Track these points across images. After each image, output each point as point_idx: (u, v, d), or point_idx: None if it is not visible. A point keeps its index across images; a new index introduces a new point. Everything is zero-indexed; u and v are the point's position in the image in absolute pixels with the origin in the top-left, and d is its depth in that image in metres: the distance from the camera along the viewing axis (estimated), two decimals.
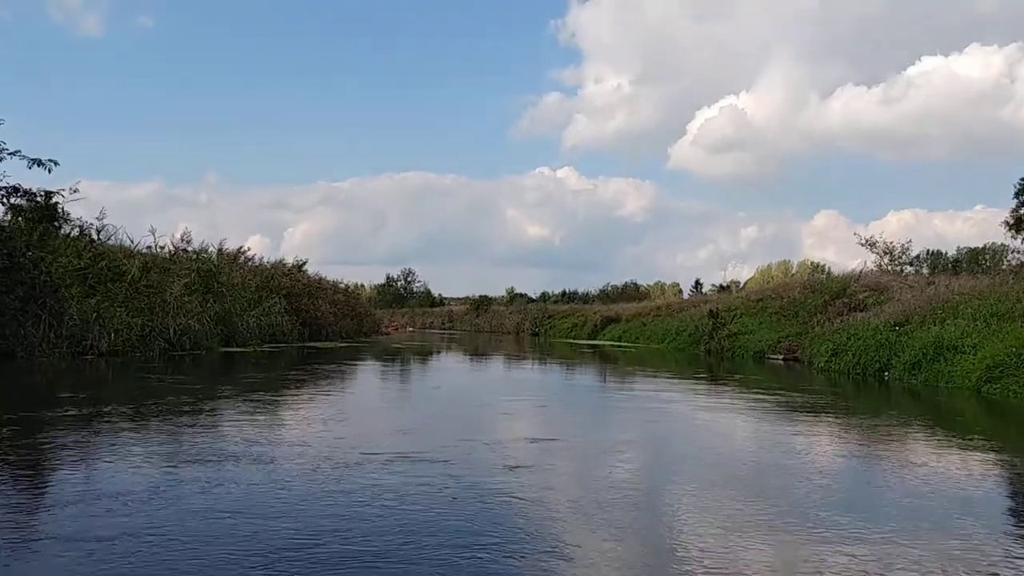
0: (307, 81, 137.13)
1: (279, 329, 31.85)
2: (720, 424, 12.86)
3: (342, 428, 10.71)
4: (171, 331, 23.24)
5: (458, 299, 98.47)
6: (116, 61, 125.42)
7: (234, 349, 26.56)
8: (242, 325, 28.43)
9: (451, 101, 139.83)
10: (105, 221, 26.89)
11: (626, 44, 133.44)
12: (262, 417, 11.33)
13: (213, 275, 29.60)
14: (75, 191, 24.06)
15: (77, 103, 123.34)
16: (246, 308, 29.39)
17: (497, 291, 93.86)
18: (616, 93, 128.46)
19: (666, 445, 10.47)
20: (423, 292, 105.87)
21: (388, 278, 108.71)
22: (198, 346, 24.39)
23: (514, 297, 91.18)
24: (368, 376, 21.64)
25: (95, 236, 26.20)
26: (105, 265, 24.05)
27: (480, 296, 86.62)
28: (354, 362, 25.49)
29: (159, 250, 30.72)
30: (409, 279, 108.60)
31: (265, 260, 39.72)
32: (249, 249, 39.27)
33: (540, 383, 21.63)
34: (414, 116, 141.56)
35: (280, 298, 33.13)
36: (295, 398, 14.49)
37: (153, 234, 30.70)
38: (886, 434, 12.10)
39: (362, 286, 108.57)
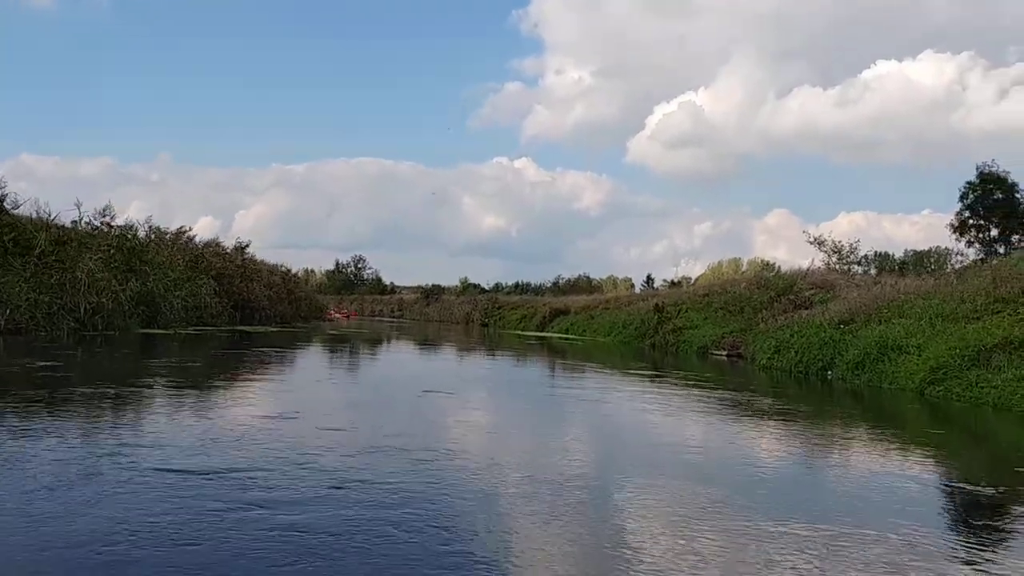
0: (267, 63, 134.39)
1: (207, 311, 30.36)
2: (653, 428, 11.98)
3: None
4: (81, 309, 21.70)
5: (411, 288, 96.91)
6: (69, 37, 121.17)
7: (154, 331, 25.08)
8: (165, 306, 26.91)
9: (411, 87, 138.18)
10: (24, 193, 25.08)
11: (588, 37, 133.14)
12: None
13: (136, 252, 28.02)
14: None
15: (26, 75, 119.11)
16: (170, 288, 27.83)
17: (451, 281, 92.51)
18: (576, 85, 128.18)
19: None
20: (373, 279, 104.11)
21: (338, 264, 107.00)
22: (112, 326, 22.88)
23: (467, 287, 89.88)
24: (264, 365, 19.09)
25: (2, 205, 24.37)
26: (12, 238, 22.42)
27: (432, 285, 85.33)
28: (265, 349, 23.93)
29: (83, 225, 29.00)
30: (359, 265, 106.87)
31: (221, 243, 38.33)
32: (191, 229, 37.63)
33: (465, 377, 20.63)
34: (373, 101, 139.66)
35: (209, 279, 31.58)
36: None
37: (78, 208, 28.83)
38: (827, 438, 11.36)
39: (312, 272, 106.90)
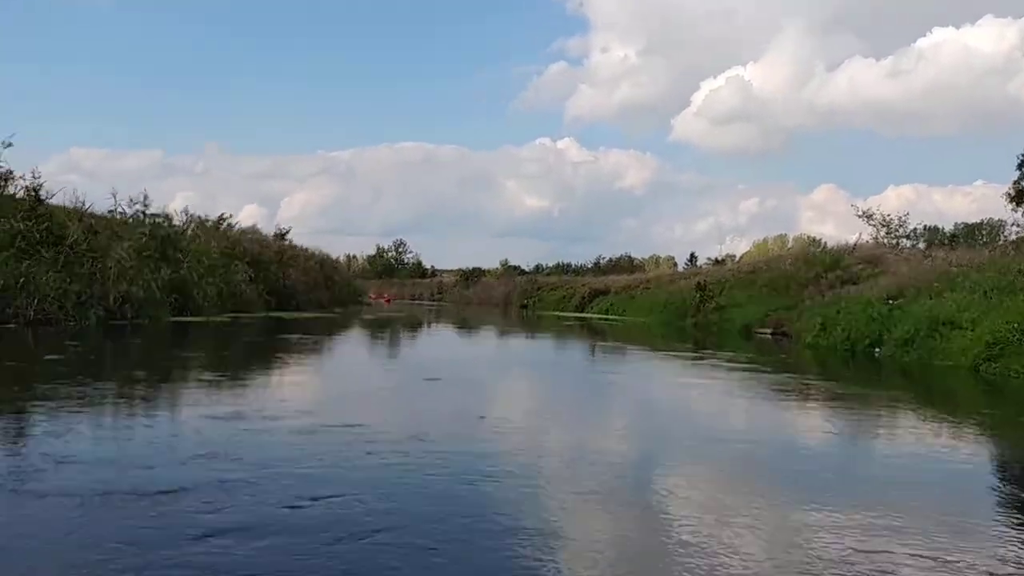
0: (309, 50, 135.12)
1: (242, 298, 30.26)
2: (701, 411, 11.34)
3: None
4: (111, 298, 21.62)
5: (451, 271, 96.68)
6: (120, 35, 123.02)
7: (187, 319, 24.99)
8: (198, 293, 26.81)
9: (455, 70, 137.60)
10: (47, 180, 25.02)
11: (634, 13, 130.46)
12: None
13: (170, 240, 27.96)
14: (8, 144, 22.48)
15: (72, 73, 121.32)
16: (204, 275, 27.74)
17: (492, 263, 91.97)
18: (622, 64, 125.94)
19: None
20: (414, 263, 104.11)
21: (379, 249, 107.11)
22: (143, 314, 22.79)
23: (507, 269, 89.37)
24: (287, 355, 17.37)
25: (38, 196, 24.38)
26: (47, 227, 22.42)
27: (472, 268, 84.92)
28: (292, 336, 23.59)
29: (118, 215, 29.07)
30: (400, 250, 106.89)
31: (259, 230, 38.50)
32: (231, 216, 37.68)
33: (498, 365, 20.14)
34: (416, 86, 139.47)
35: (244, 265, 31.48)
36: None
37: (114, 197, 28.87)
38: (875, 420, 10.62)
39: (355, 257, 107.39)
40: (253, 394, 10.70)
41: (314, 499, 5.22)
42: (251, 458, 6.33)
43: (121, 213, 29.06)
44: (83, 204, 26.43)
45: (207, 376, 12.32)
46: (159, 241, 27.36)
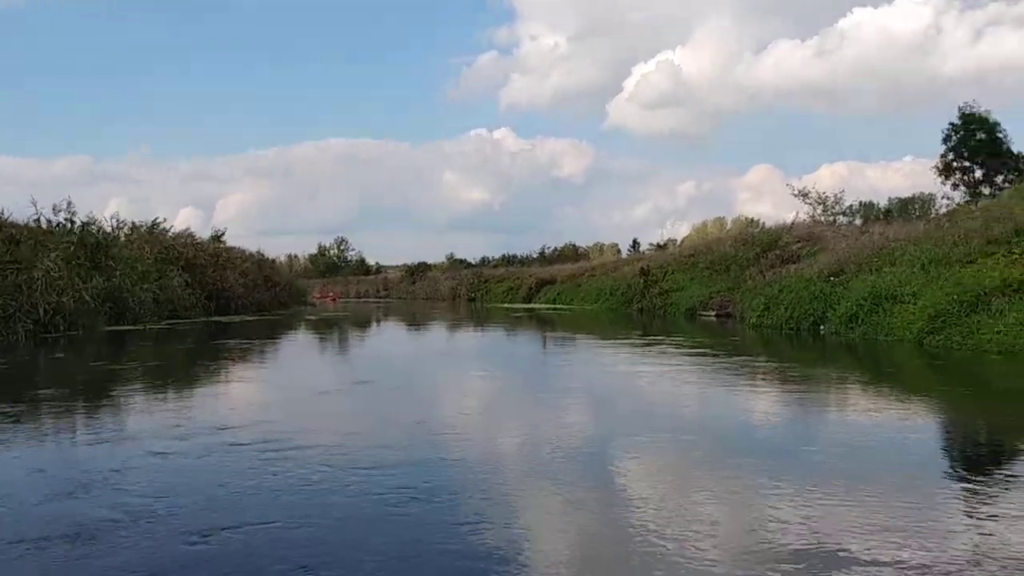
0: (231, 46, 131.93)
1: (180, 304, 29.37)
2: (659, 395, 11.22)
3: None
4: (40, 311, 20.72)
5: (396, 267, 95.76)
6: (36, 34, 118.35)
7: (123, 327, 24.13)
8: (134, 301, 25.91)
9: (383, 63, 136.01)
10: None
11: (561, 1, 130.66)
12: None
13: (101, 248, 26.95)
14: None
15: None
16: (138, 282, 26.82)
17: (437, 257, 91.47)
18: (553, 52, 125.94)
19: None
20: (357, 260, 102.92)
21: (320, 247, 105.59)
22: (76, 325, 21.91)
23: (453, 263, 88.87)
24: (217, 363, 16.21)
25: None
26: None
27: (417, 263, 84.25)
28: (232, 341, 23.04)
29: (43, 224, 27.89)
30: (342, 247, 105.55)
31: (194, 233, 37.34)
32: (164, 221, 36.51)
33: (451, 358, 19.86)
34: (345, 80, 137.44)
35: (179, 270, 30.54)
36: None
37: (35, 205, 27.67)
38: (822, 395, 10.66)
39: (296, 256, 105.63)
40: (170, 408, 9.92)
41: (216, 532, 4.68)
42: (146, 486, 5.71)
43: (48, 222, 27.94)
44: (1, 214, 25.35)
45: (126, 389, 11.62)
46: (89, 249, 26.35)
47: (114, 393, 11.20)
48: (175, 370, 15.04)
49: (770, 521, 4.81)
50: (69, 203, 28.34)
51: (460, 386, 12.70)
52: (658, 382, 12.24)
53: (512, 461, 6.82)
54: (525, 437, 7.90)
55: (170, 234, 35.45)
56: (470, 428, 8.50)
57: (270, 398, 11.18)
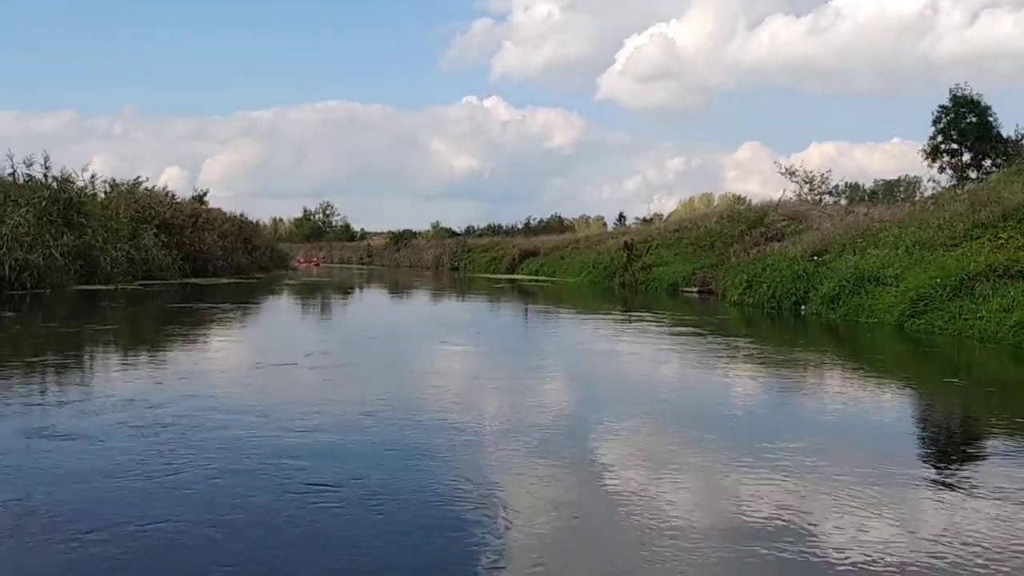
0: (229, 7, 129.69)
1: (155, 264, 28.86)
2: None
3: None
4: (6, 268, 20.19)
5: (380, 233, 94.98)
6: None
7: (94, 287, 23.64)
8: (106, 260, 25.39)
9: (376, 28, 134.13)
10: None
11: None
12: None
13: (74, 204, 26.36)
14: None
15: None
16: (111, 241, 26.27)
17: (423, 225, 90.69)
18: (546, 21, 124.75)
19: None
20: (342, 226, 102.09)
21: (305, 211, 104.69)
22: (44, 284, 21.40)
23: (438, 231, 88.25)
24: (183, 327, 15.57)
25: None
26: None
27: (402, 230, 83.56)
28: (207, 306, 22.26)
29: (16, 178, 27.22)
30: (327, 212, 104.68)
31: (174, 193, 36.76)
32: (147, 179, 35.86)
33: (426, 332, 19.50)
34: (339, 43, 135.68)
35: (155, 230, 29.98)
36: None
37: (11, 160, 26.98)
38: (800, 377, 10.43)
39: (281, 220, 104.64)
40: (90, 380, 9.16)
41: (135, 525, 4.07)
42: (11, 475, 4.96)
43: (25, 176, 27.28)
44: None
45: (56, 355, 10.66)
46: (62, 205, 25.78)
47: (36, 359, 10.29)
48: (124, 335, 14.18)
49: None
50: (47, 158, 27.71)
51: (432, 362, 12.35)
52: (636, 362, 11.98)
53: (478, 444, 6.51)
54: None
55: (145, 192, 34.84)
56: (439, 407, 8.15)
57: (209, 369, 10.22)
